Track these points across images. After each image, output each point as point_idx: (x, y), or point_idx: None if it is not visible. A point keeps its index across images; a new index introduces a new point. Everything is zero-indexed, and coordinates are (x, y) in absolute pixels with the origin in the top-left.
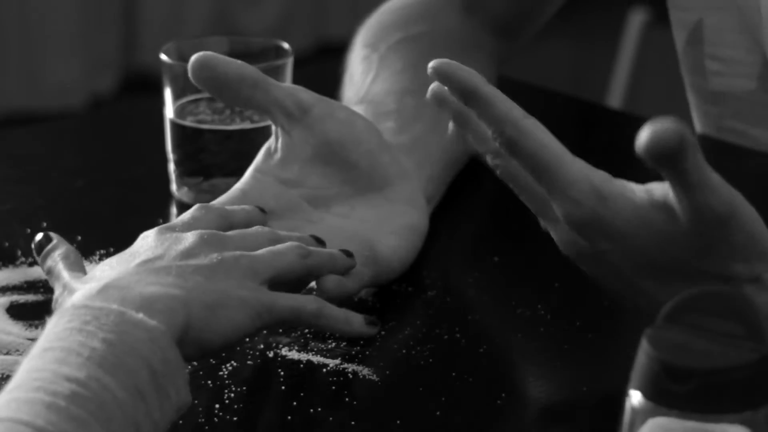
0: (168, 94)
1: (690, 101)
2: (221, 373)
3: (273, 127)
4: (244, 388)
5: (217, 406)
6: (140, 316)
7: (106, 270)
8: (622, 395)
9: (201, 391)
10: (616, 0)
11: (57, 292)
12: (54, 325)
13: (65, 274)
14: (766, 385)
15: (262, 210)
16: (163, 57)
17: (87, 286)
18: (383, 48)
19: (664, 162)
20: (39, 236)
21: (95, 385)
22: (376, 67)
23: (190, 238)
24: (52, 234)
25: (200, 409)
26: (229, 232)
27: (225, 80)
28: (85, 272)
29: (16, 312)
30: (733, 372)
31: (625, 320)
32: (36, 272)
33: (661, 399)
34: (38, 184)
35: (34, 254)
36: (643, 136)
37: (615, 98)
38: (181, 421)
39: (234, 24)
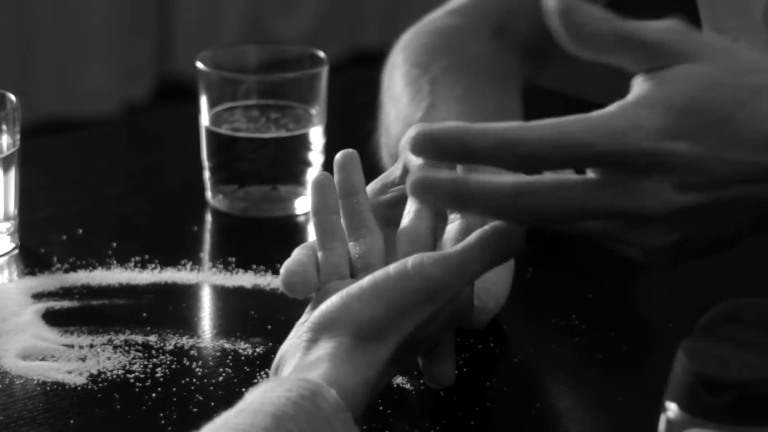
0: (204, 101)
1: None
2: (256, 381)
3: None
4: None
5: None
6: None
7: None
8: (658, 407)
9: (237, 400)
10: (651, 12)
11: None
12: (272, 388)
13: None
14: None
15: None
16: (199, 65)
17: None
18: (436, 70)
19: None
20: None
21: None
22: (429, 91)
23: None
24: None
25: None
26: None
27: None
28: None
29: (51, 318)
30: None
31: (661, 331)
32: (71, 279)
33: (698, 411)
34: (73, 191)
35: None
36: None
37: None
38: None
39: (268, 31)
